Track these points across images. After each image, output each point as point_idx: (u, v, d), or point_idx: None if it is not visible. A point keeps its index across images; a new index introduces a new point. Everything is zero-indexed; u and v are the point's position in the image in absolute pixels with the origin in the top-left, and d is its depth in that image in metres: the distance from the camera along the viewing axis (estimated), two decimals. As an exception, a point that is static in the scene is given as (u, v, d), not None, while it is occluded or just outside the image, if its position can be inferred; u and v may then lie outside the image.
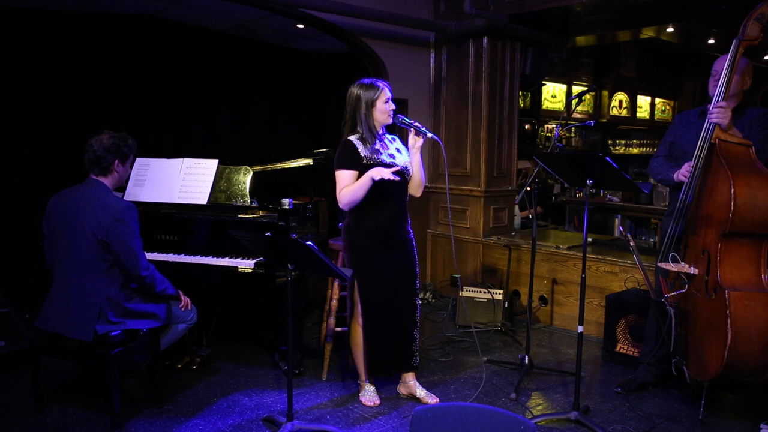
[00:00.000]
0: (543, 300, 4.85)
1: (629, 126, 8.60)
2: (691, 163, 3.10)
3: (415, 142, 3.20)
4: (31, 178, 4.54)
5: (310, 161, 4.02)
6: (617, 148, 8.62)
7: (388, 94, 3.18)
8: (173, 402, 3.33)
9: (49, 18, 4.63)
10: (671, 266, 3.11)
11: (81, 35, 4.82)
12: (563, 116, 7.08)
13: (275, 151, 5.97)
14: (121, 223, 2.96)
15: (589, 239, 4.76)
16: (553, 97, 7.51)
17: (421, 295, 4.87)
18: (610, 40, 6.70)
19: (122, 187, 3.63)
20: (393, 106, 3.20)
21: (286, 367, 3.59)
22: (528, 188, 3.74)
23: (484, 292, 4.69)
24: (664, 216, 3.53)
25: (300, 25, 5.16)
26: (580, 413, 3.13)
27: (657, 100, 8.88)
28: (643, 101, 8.63)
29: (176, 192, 3.73)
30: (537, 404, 3.42)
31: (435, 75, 5.60)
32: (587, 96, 7.76)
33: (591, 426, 3.05)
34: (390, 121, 3.20)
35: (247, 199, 3.73)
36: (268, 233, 3.38)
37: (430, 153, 5.63)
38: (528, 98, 7.32)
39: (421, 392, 3.40)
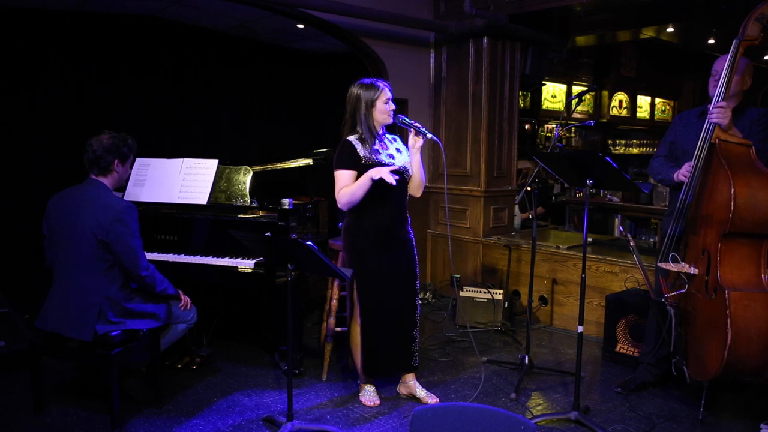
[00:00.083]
0: (543, 300, 4.85)
1: (629, 126, 8.59)
2: (691, 163, 3.10)
3: (415, 142, 3.20)
4: (31, 178, 4.54)
5: (310, 161, 4.02)
6: (617, 148, 8.62)
7: (388, 94, 3.18)
8: (173, 402, 3.33)
9: (49, 18, 4.63)
10: (671, 266, 3.11)
11: (81, 35, 4.82)
12: (563, 116, 7.08)
13: (275, 151, 5.96)
14: (121, 223, 2.96)
15: (589, 239, 4.76)
16: (553, 97, 7.51)
17: (421, 295, 4.87)
18: (610, 40, 6.70)
19: (122, 187, 3.62)
20: (393, 106, 3.20)
21: (286, 367, 3.59)
22: (528, 188, 3.74)
23: (484, 292, 4.69)
24: (664, 216, 3.53)
25: (300, 25, 5.17)
26: (580, 413, 3.13)
27: (657, 100, 8.88)
28: (643, 101, 8.63)
29: (176, 192, 3.74)
30: (537, 404, 3.42)
31: (435, 75, 5.60)
32: (587, 96, 7.76)
33: (591, 426, 3.05)
34: (390, 121, 3.20)
35: (247, 199, 3.73)
36: (268, 233, 3.38)
37: (430, 153, 5.63)
38: (528, 98, 7.32)
39: (421, 392, 3.40)
